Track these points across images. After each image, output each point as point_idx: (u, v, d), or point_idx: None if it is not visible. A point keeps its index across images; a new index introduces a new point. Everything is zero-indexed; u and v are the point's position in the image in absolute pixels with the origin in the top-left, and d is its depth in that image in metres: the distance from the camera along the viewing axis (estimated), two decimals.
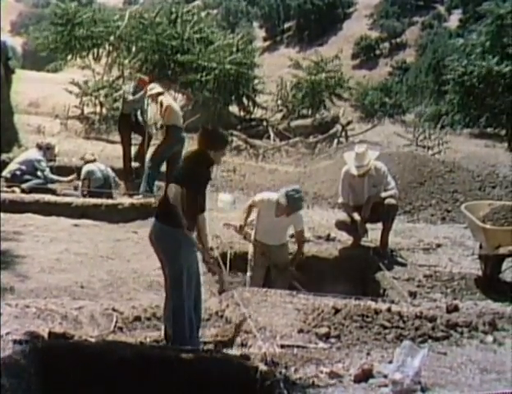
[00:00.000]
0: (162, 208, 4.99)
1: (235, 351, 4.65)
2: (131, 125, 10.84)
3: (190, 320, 4.78)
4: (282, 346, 4.68)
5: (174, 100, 10.09)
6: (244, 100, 21.62)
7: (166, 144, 9.94)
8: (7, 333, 4.37)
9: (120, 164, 11.64)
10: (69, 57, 21.36)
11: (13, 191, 9.77)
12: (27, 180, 10.08)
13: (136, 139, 11.25)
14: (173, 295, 4.84)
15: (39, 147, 10.59)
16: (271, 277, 7.11)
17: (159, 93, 10.03)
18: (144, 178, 9.95)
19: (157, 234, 4.92)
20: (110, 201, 9.68)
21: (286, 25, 54.95)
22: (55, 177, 10.55)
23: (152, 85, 10.31)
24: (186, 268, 4.76)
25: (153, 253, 7.60)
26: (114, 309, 5.45)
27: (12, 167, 10.28)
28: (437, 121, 22.77)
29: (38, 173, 10.27)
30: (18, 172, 10.15)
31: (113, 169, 10.79)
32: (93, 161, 10.46)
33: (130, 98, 10.62)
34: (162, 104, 9.82)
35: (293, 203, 6.72)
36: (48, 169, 10.43)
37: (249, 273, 7.00)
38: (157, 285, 6.43)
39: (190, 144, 15.27)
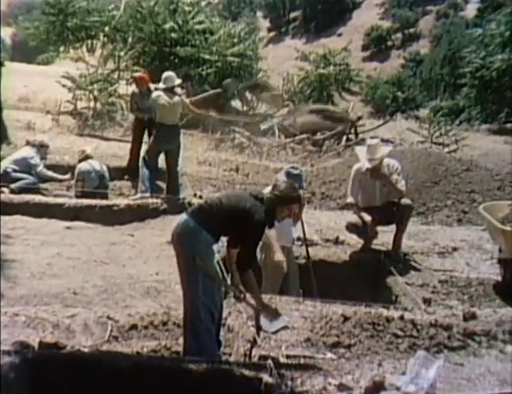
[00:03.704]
0: (201, 211, 4.87)
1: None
2: (145, 122, 10.87)
3: (209, 331, 4.74)
4: (288, 356, 4.67)
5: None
6: (247, 95, 21.63)
7: (153, 142, 10.01)
8: None
9: (115, 162, 11.66)
10: (61, 48, 21.49)
11: (1, 192, 9.78)
12: (19, 180, 10.10)
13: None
14: (187, 301, 4.81)
15: (32, 145, 10.61)
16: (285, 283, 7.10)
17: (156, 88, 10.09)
18: (140, 179, 9.99)
19: (185, 231, 4.76)
20: (104, 202, 9.67)
21: (292, 15, 54.97)
22: (49, 173, 10.56)
23: (167, 76, 10.04)
24: (203, 273, 4.70)
25: (150, 257, 7.69)
26: (109, 317, 5.44)
27: (4, 165, 10.28)
28: (454, 116, 22.75)
29: (33, 172, 10.30)
30: (9, 170, 10.17)
31: (108, 168, 10.79)
32: (86, 158, 10.43)
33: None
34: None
35: (294, 179, 6.81)
36: (42, 165, 10.44)
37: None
38: (155, 291, 6.44)
39: (190, 141, 15.37)
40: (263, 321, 5.02)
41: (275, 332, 5.15)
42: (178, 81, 10.18)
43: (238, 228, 4.77)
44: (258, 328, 4.97)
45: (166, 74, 10.17)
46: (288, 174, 6.91)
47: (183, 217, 4.83)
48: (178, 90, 10.42)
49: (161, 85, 10.01)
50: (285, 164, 14.77)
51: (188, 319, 4.77)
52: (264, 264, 6.90)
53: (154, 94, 9.98)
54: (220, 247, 6.65)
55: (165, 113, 9.83)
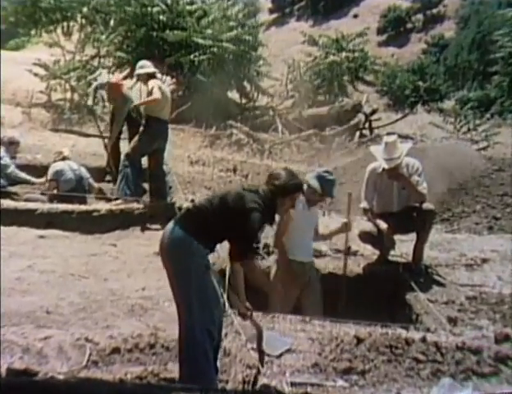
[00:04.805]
0: (190, 217, 4.85)
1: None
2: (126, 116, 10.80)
3: (205, 353, 4.72)
4: (293, 384, 4.66)
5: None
6: (246, 85, 21.66)
7: (142, 138, 9.81)
8: None
9: (95, 162, 11.66)
10: (33, 32, 21.47)
11: None
12: None
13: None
14: (180, 320, 4.80)
15: (0, 142, 10.63)
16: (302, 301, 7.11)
17: (150, 75, 9.87)
18: (120, 179, 9.88)
19: (174, 242, 4.75)
20: (83, 207, 9.67)
21: None
22: (22, 175, 10.57)
23: (142, 63, 10.04)
24: (198, 288, 4.69)
25: (135, 271, 7.68)
26: (87, 340, 5.43)
27: None
28: (483, 109, 22.78)
29: (2, 173, 10.31)
30: None
31: (88, 168, 10.80)
32: (63, 159, 10.46)
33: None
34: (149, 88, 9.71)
35: (326, 185, 6.80)
36: (13, 166, 10.47)
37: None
38: (141, 309, 6.43)
39: (181, 138, 15.39)
40: (266, 343, 4.99)
41: (278, 356, 5.14)
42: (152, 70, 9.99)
43: (233, 231, 4.74)
44: (261, 353, 4.94)
45: (143, 61, 10.05)
46: (320, 178, 6.83)
47: (170, 225, 4.83)
48: (167, 80, 10.36)
49: (142, 71, 9.78)
50: (289, 164, 14.87)
51: (182, 341, 4.77)
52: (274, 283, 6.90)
53: (157, 82, 9.69)
54: (216, 258, 6.67)
55: (163, 106, 9.68)
